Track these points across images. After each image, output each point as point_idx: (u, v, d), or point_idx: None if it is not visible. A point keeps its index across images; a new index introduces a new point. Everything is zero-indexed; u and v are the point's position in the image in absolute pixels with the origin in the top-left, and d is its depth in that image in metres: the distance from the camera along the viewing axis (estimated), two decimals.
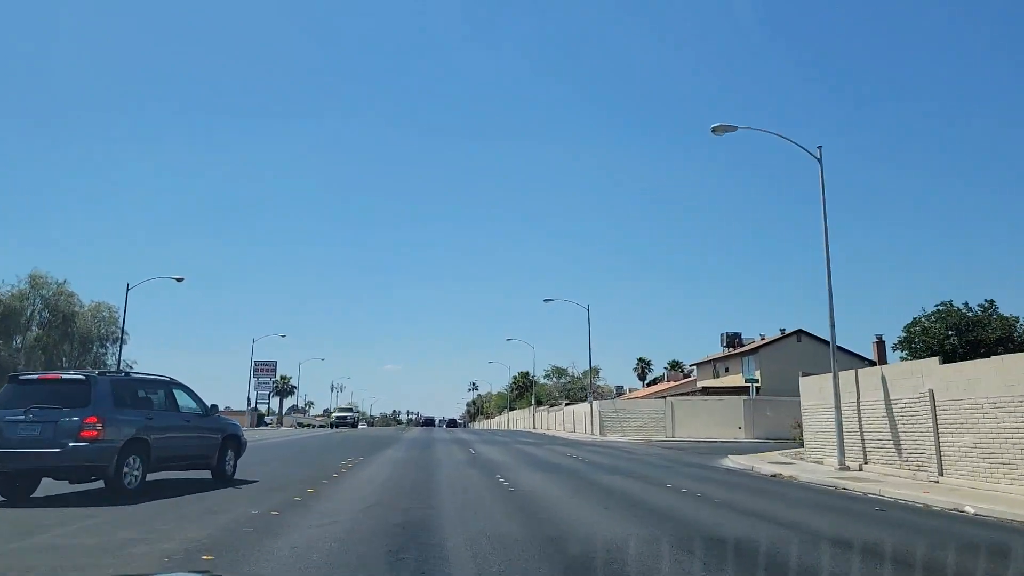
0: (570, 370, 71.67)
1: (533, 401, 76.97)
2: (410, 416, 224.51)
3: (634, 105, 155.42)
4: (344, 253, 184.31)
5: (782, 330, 49.16)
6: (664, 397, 47.61)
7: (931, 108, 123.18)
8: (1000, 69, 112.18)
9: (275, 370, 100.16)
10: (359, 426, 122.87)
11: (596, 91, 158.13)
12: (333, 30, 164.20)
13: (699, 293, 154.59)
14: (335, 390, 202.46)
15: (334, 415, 76.71)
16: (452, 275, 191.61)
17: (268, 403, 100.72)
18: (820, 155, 20.47)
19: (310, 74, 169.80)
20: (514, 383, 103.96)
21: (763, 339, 51.91)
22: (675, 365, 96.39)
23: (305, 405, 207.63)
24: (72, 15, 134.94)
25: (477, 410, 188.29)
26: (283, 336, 73.32)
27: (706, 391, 47.31)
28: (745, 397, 43.71)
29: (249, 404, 72.40)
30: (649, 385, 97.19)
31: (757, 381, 43.20)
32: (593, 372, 71.30)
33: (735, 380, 51.20)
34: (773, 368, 46.72)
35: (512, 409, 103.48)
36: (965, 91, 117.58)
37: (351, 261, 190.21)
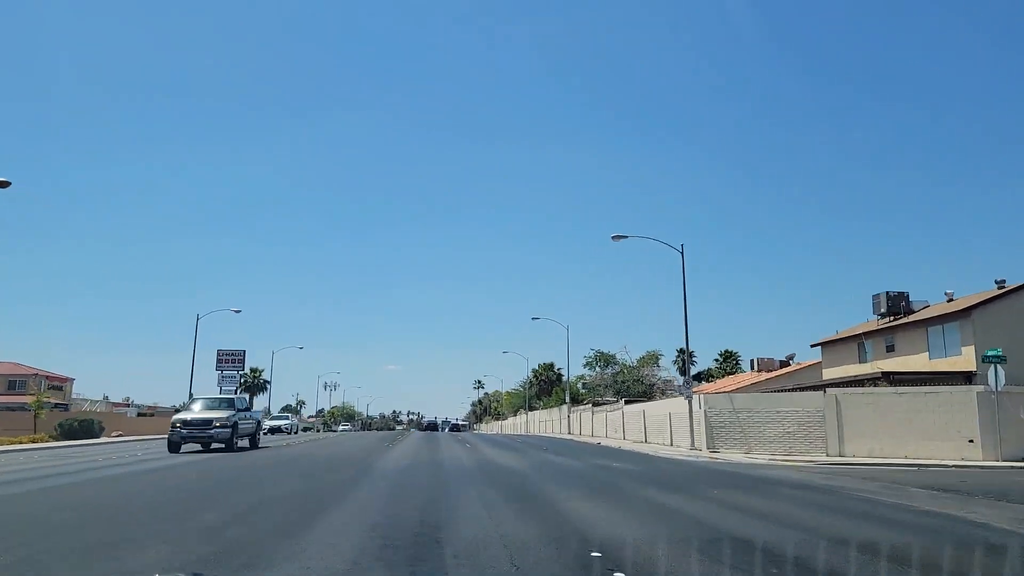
0: (620, 356, 53.79)
1: (567, 399, 58.69)
2: (411, 416, 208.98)
3: (635, 105, 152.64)
4: (343, 253, 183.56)
5: (1000, 283, 30.81)
6: (818, 390, 29.29)
7: None
8: None
9: (243, 360, 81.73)
10: (342, 428, 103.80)
11: (596, 92, 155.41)
12: (332, 31, 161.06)
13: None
14: (328, 388, 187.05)
15: (176, 419, 26.19)
16: (454, 275, 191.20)
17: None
18: None
19: (310, 75, 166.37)
20: (535, 377, 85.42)
21: (949, 298, 33.62)
22: (728, 356, 78.15)
23: (296, 404, 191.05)
24: (74, 13, 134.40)
25: (484, 410, 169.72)
26: (237, 311, 53.89)
27: (889, 379, 28.98)
28: (980, 388, 25.44)
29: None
30: (698, 380, 78.62)
31: (1000, 358, 24.88)
32: (652, 358, 53.14)
33: (910, 362, 32.90)
34: (992, 340, 28.41)
35: (532, 409, 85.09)
36: None
37: (350, 261, 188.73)
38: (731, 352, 77.96)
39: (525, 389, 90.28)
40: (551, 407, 70.26)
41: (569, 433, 58.42)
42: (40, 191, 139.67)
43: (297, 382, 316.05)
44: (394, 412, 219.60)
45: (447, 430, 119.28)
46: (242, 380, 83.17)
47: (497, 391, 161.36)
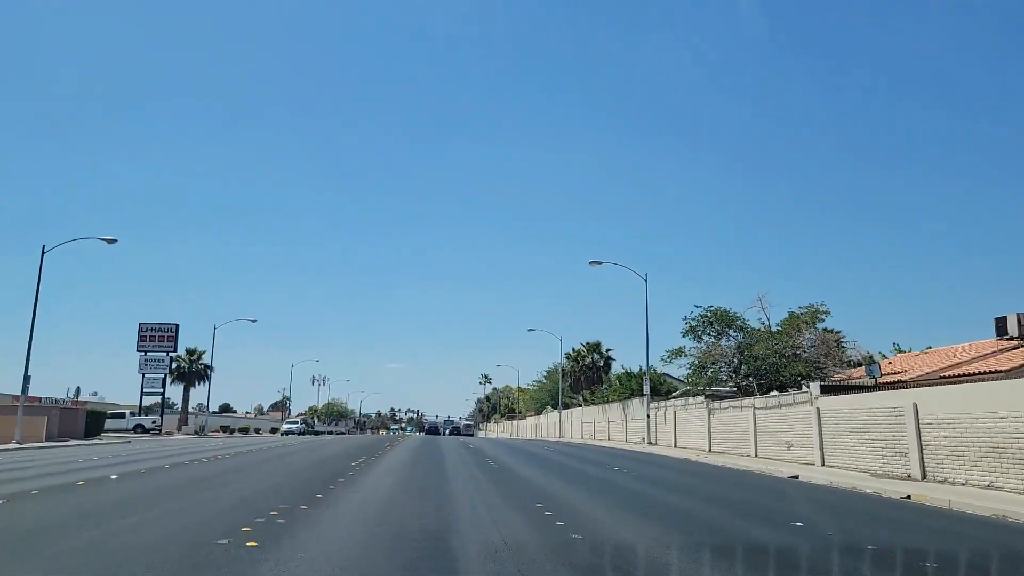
0: (751, 315, 31.38)
1: (647, 389, 36.75)
2: (410, 415, 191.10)
3: (636, 107, 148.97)
4: (344, 253, 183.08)
5: None
6: None
7: None
8: None
9: (175, 339, 60.08)
10: (286, 429, 72.29)
11: (598, 93, 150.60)
12: (335, 32, 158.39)
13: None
14: (316, 383, 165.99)
15: None
16: (456, 274, 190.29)
17: (163, 391, 60.43)
18: None
19: (310, 75, 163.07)
20: (572, 362, 63.06)
21: None
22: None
23: (282, 400, 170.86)
24: (74, 14, 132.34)
25: (492, 408, 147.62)
26: (111, 241, 31.09)
27: None
28: None
29: (27, 391, 31.66)
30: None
31: None
32: (812, 315, 30.99)
33: None
34: None
35: (568, 405, 63.13)
36: None
37: (351, 261, 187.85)
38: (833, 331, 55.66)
39: (557, 378, 68.36)
40: (608, 401, 48.23)
41: (650, 443, 36.59)
42: (40, 192, 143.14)
43: (287, 378, 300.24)
44: (392, 410, 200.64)
45: (447, 432, 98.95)
46: (174, 365, 61.28)
47: (508, 386, 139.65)
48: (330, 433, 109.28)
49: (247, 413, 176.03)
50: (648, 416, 37.24)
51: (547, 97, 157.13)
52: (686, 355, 32.83)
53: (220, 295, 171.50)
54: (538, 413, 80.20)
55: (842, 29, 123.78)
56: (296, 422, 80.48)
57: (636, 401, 40.95)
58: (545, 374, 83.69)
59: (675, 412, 34.23)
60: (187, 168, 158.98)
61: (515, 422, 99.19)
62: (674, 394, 37.99)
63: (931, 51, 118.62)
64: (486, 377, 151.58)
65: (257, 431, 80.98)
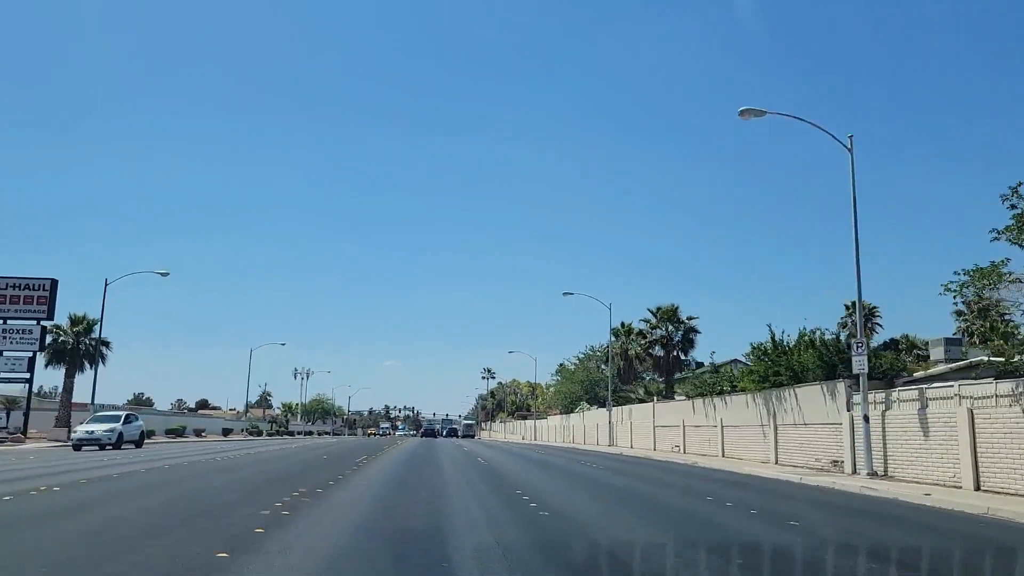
0: None
1: (861, 365, 17.77)
2: (405, 413, 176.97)
3: (639, 108, 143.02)
4: (341, 251, 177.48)
5: None
6: None
7: None
8: None
9: (49, 300, 40.33)
10: (81, 432, 31.95)
11: (600, 94, 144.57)
12: (340, 32, 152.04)
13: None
14: (299, 377, 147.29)
15: None
16: (454, 274, 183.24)
17: (31, 375, 40.43)
18: None
19: (313, 76, 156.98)
20: (630, 337, 43.53)
21: None
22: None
23: (263, 395, 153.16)
24: (74, 15, 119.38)
25: (497, 406, 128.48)
26: None
27: None
28: None
29: None
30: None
31: None
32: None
33: None
34: None
35: (622, 402, 43.94)
36: None
37: (349, 260, 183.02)
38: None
39: (596, 364, 49.36)
40: (722, 392, 28.59)
41: (870, 474, 17.62)
42: (42, 192, 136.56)
43: (276, 374, 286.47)
44: (386, 408, 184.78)
45: (444, 434, 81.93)
46: (54, 338, 41.97)
47: (516, 380, 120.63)
48: (307, 434, 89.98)
49: (231, 410, 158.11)
50: (866, 419, 18.15)
51: (546, 97, 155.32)
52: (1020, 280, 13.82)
53: (216, 294, 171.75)
54: (567, 411, 61.05)
55: (841, 29, 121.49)
56: (113, 418, 34.18)
57: (809, 391, 21.79)
58: (579, 358, 64.61)
59: (970, 411, 15.14)
60: (189, 167, 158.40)
61: (529, 423, 79.99)
62: (919, 374, 19.05)
63: (932, 51, 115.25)
64: (489, 371, 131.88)
65: (201, 433, 61.70)
